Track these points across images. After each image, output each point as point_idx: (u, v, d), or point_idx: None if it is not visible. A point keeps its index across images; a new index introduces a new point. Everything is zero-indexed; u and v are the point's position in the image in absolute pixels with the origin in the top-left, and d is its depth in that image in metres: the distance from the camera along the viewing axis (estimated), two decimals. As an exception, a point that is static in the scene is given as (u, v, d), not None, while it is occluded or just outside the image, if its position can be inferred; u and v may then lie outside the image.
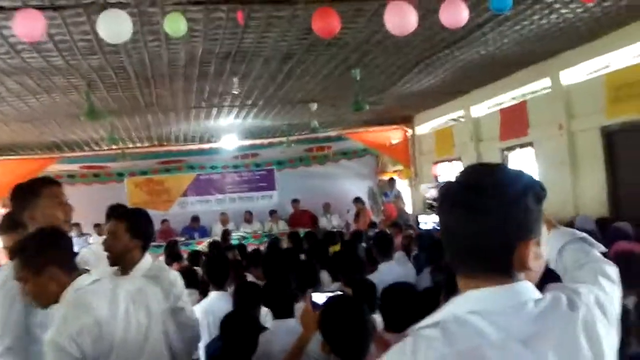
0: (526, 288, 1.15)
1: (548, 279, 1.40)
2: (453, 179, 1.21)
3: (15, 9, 3.70)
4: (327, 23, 3.61)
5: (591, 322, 1.14)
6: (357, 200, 12.55)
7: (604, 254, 1.51)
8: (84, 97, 6.45)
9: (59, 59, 5.16)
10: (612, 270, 1.37)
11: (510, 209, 1.13)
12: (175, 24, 3.33)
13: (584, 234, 1.55)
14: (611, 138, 6.78)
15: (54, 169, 11.84)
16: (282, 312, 3.23)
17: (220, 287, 3.96)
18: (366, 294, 3.27)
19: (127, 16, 3.66)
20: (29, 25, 3.56)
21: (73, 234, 9.04)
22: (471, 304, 1.12)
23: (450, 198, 1.18)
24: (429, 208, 11.13)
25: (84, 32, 4.50)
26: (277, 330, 3.14)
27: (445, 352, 1.06)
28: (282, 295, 3.29)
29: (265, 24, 4.74)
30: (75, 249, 2.45)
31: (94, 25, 4.32)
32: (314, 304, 2.55)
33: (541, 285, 1.20)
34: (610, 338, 1.16)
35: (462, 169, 1.29)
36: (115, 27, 3.57)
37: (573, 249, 1.52)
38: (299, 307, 3.25)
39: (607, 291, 1.27)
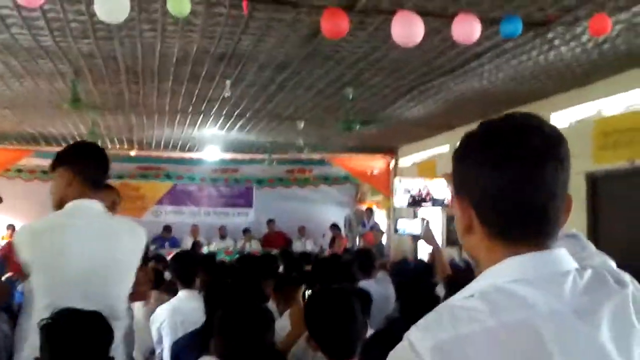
0: (566, 255, 1.03)
1: None
2: (505, 125, 1.05)
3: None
4: (336, 23, 3.54)
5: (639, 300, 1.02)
6: (334, 226, 12.47)
7: None
8: (69, 86, 6.30)
9: (49, 39, 5.00)
10: (614, 264, 1.25)
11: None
12: (178, 3, 3.22)
13: (574, 231, 1.45)
14: (596, 184, 6.78)
15: (29, 163, 11.55)
16: None
17: (188, 285, 3.79)
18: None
19: None
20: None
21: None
22: (513, 272, 0.98)
23: (531, 148, 0.99)
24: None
25: (78, 12, 4.36)
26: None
27: (490, 325, 0.91)
28: None
29: (265, 26, 4.66)
30: None
31: (90, 6, 4.22)
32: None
33: None
34: None
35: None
36: (112, 4, 3.45)
37: (567, 246, 1.42)
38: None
39: None
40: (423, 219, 4.51)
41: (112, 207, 3.09)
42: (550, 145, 1.01)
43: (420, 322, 0.97)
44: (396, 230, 6.26)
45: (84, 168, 2.52)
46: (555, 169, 1.00)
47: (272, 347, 2.14)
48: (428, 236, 4.30)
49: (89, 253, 2.38)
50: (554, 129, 1.04)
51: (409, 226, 6.07)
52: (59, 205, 2.52)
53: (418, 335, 0.94)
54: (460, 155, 1.08)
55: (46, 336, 1.99)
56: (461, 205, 1.06)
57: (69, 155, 2.57)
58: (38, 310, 2.30)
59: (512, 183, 0.99)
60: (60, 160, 2.56)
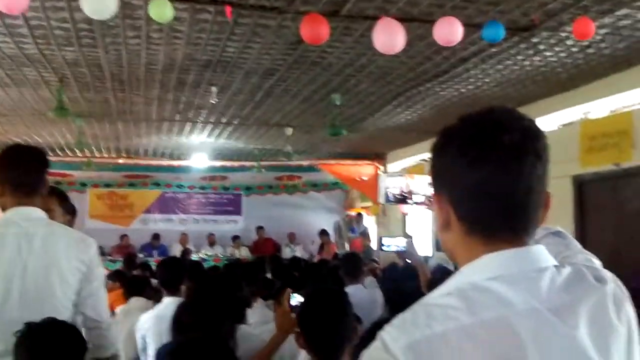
0: (544, 252, 1.01)
1: None
2: (478, 121, 1.02)
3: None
4: (315, 29, 3.53)
5: (620, 298, 1.01)
6: (323, 232, 12.45)
7: None
8: (54, 94, 6.25)
9: (33, 47, 4.97)
10: (598, 262, 1.24)
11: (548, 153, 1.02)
12: (160, 9, 3.20)
13: (558, 228, 1.41)
14: (582, 187, 6.81)
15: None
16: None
17: (174, 292, 3.75)
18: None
19: None
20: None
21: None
22: (490, 269, 0.96)
23: (509, 143, 0.97)
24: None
25: (62, 20, 4.33)
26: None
27: (467, 323, 0.90)
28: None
29: (250, 33, 4.65)
30: None
31: (74, 13, 4.20)
32: (292, 306, 2.42)
33: None
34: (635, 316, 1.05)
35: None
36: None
37: (550, 243, 1.40)
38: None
39: None
40: (407, 236, 4.58)
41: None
42: (529, 139, 0.99)
43: (395, 321, 0.95)
44: (381, 248, 6.40)
45: (12, 175, 2.30)
46: (533, 163, 0.98)
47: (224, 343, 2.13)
48: (411, 253, 4.36)
49: (23, 263, 2.25)
50: (532, 122, 1.02)
51: (394, 243, 6.27)
52: None
53: (392, 334, 0.92)
54: (438, 150, 1.06)
55: (19, 349, 1.95)
56: (439, 201, 1.05)
57: None
58: None
59: (489, 177, 0.97)
60: None
